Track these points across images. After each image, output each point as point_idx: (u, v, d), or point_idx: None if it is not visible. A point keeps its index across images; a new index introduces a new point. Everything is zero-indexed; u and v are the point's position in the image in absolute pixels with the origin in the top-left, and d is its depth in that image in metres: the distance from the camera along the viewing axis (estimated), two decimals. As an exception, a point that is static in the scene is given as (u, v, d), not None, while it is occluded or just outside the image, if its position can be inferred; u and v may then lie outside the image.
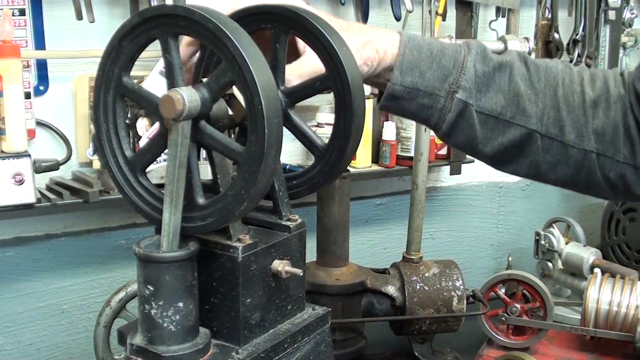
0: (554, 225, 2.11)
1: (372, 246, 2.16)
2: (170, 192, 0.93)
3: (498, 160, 1.11)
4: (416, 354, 1.75)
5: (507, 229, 2.38)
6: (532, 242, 2.09)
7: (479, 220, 2.34)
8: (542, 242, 2.06)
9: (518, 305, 1.79)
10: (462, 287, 1.68)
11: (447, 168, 2.11)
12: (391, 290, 1.66)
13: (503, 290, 1.82)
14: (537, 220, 2.28)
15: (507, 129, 1.07)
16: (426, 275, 1.68)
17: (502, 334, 1.82)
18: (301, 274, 1.02)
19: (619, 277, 1.79)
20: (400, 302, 1.66)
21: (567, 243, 2.05)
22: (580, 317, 1.79)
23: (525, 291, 1.80)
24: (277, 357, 1.01)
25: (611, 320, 1.73)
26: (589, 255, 1.98)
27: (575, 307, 1.96)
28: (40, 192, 1.64)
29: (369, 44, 1.06)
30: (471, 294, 1.72)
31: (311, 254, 1.68)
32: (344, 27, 1.06)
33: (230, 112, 0.97)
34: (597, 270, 1.82)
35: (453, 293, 1.68)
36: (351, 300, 1.62)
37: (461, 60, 1.06)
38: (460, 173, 2.11)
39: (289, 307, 1.06)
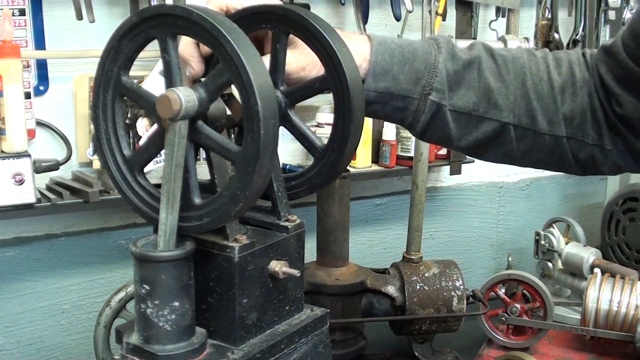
0: (553, 225, 2.11)
1: (372, 246, 2.16)
2: (167, 191, 0.93)
3: (473, 152, 1.14)
4: (416, 354, 1.75)
5: (507, 228, 2.38)
6: (532, 242, 2.09)
7: (479, 220, 2.34)
8: (542, 242, 2.05)
9: (518, 305, 1.79)
10: (462, 287, 1.68)
11: (447, 168, 2.11)
12: (391, 290, 1.66)
13: (503, 290, 1.82)
14: (537, 220, 2.28)
15: (481, 123, 1.08)
16: (426, 275, 1.68)
17: (502, 334, 1.82)
18: (299, 275, 1.02)
19: (618, 277, 1.79)
20: (400, 302, 1.66)
21: (567, 243, 2.04)
22: (580, 317, 1.79)
23: (525, 291, 1.80)
24: (273, 358, 1.01)
25: (611, 320, 1.73)
26: (588, 255, 1.98)
27: (575, 307, 1.96)
28: (40, 192, 1.64)
29: None
30: (471, 294, 1.72)
31: (311, 254, 1.69)
32: None
33: (229, 112, 0.97)
34: (597, 270, 1.82)
35: (453, 293, 1.68)
36: (351, 300, 1.62)
37: (432, 62, 1.07)
38: (460, 173, 2.11)
39: (287, 308, 1.06)
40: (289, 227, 1.04)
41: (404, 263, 1.73)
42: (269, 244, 1.02)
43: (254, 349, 1.00)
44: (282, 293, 1.05)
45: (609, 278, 1.79)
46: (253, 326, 1.02)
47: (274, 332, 1.04)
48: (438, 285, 1.67)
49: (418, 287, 1.66)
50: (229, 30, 0.84)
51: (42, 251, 1.74)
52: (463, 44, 1.15)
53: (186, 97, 0.87)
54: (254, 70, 0.84)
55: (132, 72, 0.97)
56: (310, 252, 1.70)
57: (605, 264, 1.96)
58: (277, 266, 1.01)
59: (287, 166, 1.83)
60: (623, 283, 1.76)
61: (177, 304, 0.96)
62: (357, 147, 1.06)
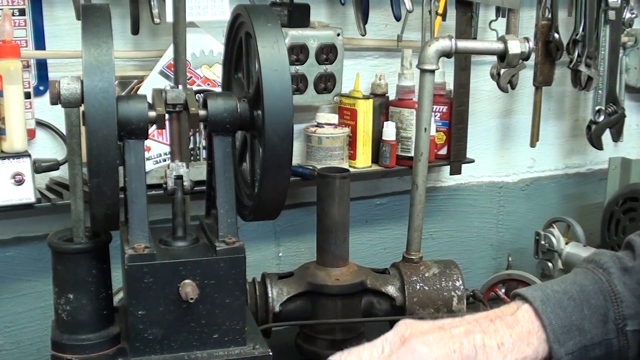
0: (554, 225, 2.11)
1: (372, 246, 2.16)
2: (71, 181, 0.97)
3: None
4: (416, 353, 1.75)
5: (507, 229, 2.38)
6: (532, 242, 2.09)
7: (479, 220, 2.34)
8: (542, 242, 2.05)
9: (518, 305, 1.79)
10: (462, 287, 1.68)
11: (447, 168, 2.10)
12: (391, 290, 1.66)
13: (503, 290, 1.82)
14: (537, 220, 2.28)
15: None
16: (426, 275, 1.68)
17: (502, 334, 1.82)
18: (192, 301, 0.98)
19: (619, 277, 1.78)
20: (400, 302, 1.65)
21: (567, 243, 2.04)
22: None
23: (525, 291, 1.80)
24: None
25: (611, 320, 1.73)
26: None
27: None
28: (40, 192, 1.64)
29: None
30: (471, 294, 1.72)
31: (311, 254, 1.69)
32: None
33: None
34: (597, 270, 1.82)
35: (453, 293, 1.67)
36: (351, 300, 1.62)
37: (608, 289, 0.95)
38: (460, 173, 2.11)
39: (215, 336, 1.03)
40: (218, 248, 1.02)
41: (404, 263, 1.72)
42: (180, 262, 1.00)
43: None
44: (204, 318, 1.02)
45: (609, 278, 1.78)
46: (156, 342, 1.00)
47: (182, 356, 1.02)
48: (438, 285, 1.67)
49: (418, 287, 1.66)
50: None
51: (42, 251, 1.73)
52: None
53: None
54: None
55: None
56: (310, 252, 1.70)
57: (605, 264, 1.95)
58: (189, 287, 0.99)
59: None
60: (623, 283, 1.76)
61: (71, 296, 0.98)
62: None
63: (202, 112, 1.09)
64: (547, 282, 1.00)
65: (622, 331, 0.94)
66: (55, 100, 0.99)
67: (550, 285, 0.97)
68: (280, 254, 2.05)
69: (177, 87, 1.12)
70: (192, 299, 0.98)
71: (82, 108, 1.01)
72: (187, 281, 0.99)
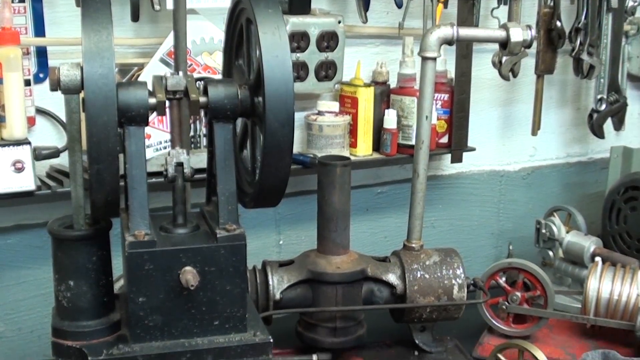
0: (554, 214, 2.10)
1: (372, 234, 2.16)
2: (71, 168, 0.97)
3: None
4: (417, 342, 1.75)
5: (508, 217, 2.38)
6: (532, 230, 2.09)
7: (480, 209, 2.33)
8: (543, 231, 2.05)
9: (519, 294, 1.79)
10: (462, 275, 1.68)
11: (448, 156, 2.10)
12: (392, 278, 1.66)
13: (504, 279, 1.82)
14: (538, 209, 2.28)
15: None
16: (427, 263, 1.68)
17: (503, 322, 1.82)
18: (192, 288, 0.98)
19: (619, 266, 1.78)
20: (401, 290, 1.65)
21: (567, 232, 2.04)
22: (580, 306, 1.78)
23: (525, 279, 1.80)
24: None
25: (612, 309, 1.73)
26: (589, 244, 1.98)
27: (575, 295, 1.95)
28: (41, 180, 1.64)
29: None
30: (472, 282, 1.72)
31: (312, 242, 1.69)
32: None
33: None
34: (597, 259, 1.82)
35: (454, 281, 1.67)
36: (352, 288, 1.61)
37: None
38: (461, 161, 2.11)
39: (215, 323, 1.03)
40: (219, 235, 1.02)
41: (404, 251, 1.72)
42: (181, 249, 1.00)
43: (151, 351, 0.99)
44: (204, 305, 1.02)
45: (609, 267, 1.78)
46: (157, 329, 1.00)
47: (186, 343, 1.02)
48: (439, 274, 1.67)
49: (419, 275, 1.66)
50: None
51: (43, 239, 1.73)
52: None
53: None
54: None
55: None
56: (311, 240, 1.70)
57: (606, 253, 1.95)
58: (189, 274, 0.99)
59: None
60: (624, 272, 1.76)
61: (72, 283, 0.98)
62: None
63: (202, 99, 1.09)
64: None
65: None
66: (55, 86, 0.98)
67: None
68: (281, 242, 2.05)
69: (178, 74, 1.12)
70: (192, 286, 0.98)
71: (82, 95, 1.00)
72: (187, 268, 0.99)
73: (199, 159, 1.47)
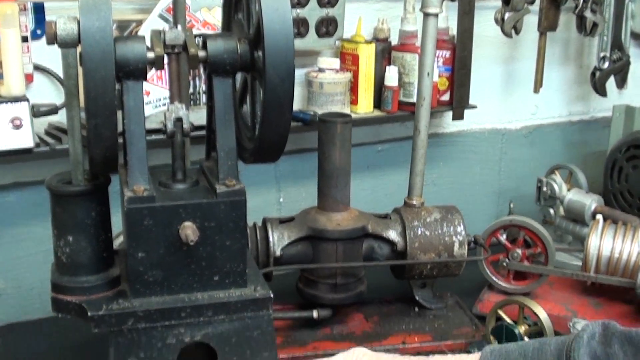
0: (556, 172, 2.10)
1: (373, 192, 2.15)
2: (69, 123, 0.96)
3: None
4: (417, 298, 1.75)
5: (509, 175, 2.38)
6: (533, 189, 2.08)
7: (481, 167, 2.33)
8: (544, 189, 2.05)
9: (519, 251, 1.79)
10: (463, 232, 1.68)
11: (449, 114, 2.09)
12: (392, 235, 1.66)
13: (504, 236, 1.82)
14: (539, 167, 2.27)
15: None
16: (427, 220, 1.68)
17: (503, 279, 1.82)
18: (192, 244, 0.97)
19: (620, 223, 1.78)
20: (402, 247, 1.65)
21: (569, 190, 2.04)
22: (581, 264, 1.78)
23: (526, 237, 1.80)
24: (168, 323, 1.00)
25: (612, 266, 1.73)
26: (591, 202, 1.97)
27: (576, 253, 1.96)
28: (39, 137, 1.63)
29: None
30: (472, 239, 1.72)
31: (312, 200, 1.68)
32: None
33: None
34: (599, 216, 1.81)
35: (454, 238, 1.67)
36: (352, 245, 1.61)
37: (566, 352, 0.85)
38: (462, 119, 2.09)
39: (215, 278, 1.03)
40: (219, 191, 1.01)
41: (405, 208, 1.72)
42: (180, 204, 0.99)
43: (150, 306, 0.99)
44: (204, 260, 1.01)
45: (610, 225, 1.78)
46: (156, 284, 1.00)
47: (186, 298, 1.02)
48: (439, 230, 1.67)
49: (419, 232, 1.66)
50: None
51: (42, 196, 1.71)
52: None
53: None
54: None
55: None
56: (311, 197, 1.69)
57: (608, 211, 1.95)
58: (189, 230, 0.98)
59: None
60: (625, 230, 1.75)
61: (70, 238, 0.98)
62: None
63: (201, 53, 1.07)
64: None
65: None
66: (52, 40, 0.97)
67: (522, 341, 0.92)
68: (281, 199, 2.04)
69: (176, 28, 1.10)
70: (192, 241, 0.97)
71: (79, 49, 0.99)
72: (187, 223, 0.99)
73: (199, 116, 1.46)
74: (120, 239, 1.45)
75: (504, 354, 0.87)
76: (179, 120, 1.08)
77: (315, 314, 1.63)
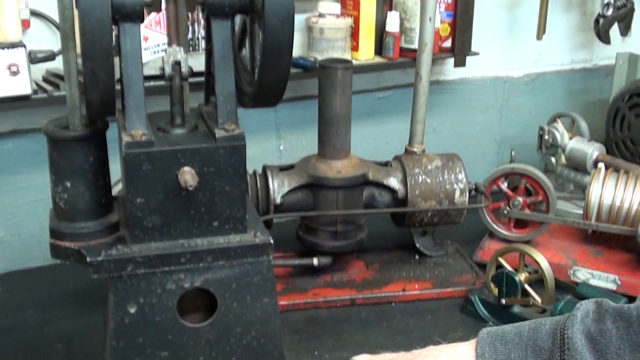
0: (558, 120, 2.08)
1: (374, 140, 2.14)
2: (65, 68, 0.94)
3: None
4: (417, 246, 1.75)
5: (511, 123, 2.36)
6: (535, 137, 2.07)
7: (482, 115, 2.31)
8: (546, 137, 2.03)
9: (520, 199, 1.78)
10: (464, 179, 1.67)
11: (451, 61, 2.07)
12: (393, 182, 1.65)
13: (505, 184, 1.81)
14: (541, 115, 2.25)
15: None
16: (428, 167, 1.67)
17: (504, 227, 1.82)
18: (191, 189, 0.96)
19: (622, 172, 1.77)
20: (402, 195, 1.64)
21: (571, 138, 2.02)
22: (582, 212, 1.78)
23: (527, 185, 1.79)
24: (167, 269, 0.99)
25: (613, 214, 1.72)
26: (592, 150, 1.96)
27: (577, 201, 1.95)
28: (37, 84, 1.62)
29: None
30: (473, 187, 1.71)
31: (312, 148, 1.67)
32: None
33: None
34: (600, 165, 1.80)
35: (455, 185, 1.66)
36: (353, 192, 1.61)
37: (560, 331, 0.85)
38: (464, 65, 2.07)
39: (215, 224, 1.02)
40: (218, 136, 1.00)
41: (406, 156, 1.71)
42: (179, 149, 0.98)
43: (149, 252, 0.98)
44: (204, 206, 1.00)
45: (612, 173, 1.77)
46: (155, 230, 0.99)
47: (185, 243, 1.01)
48: (440, 178, 1.66)
49: (420, 180, 1.65)
50: None
51: (41, 143, 1.70)
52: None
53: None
54: None
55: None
56: (312, 145, 1.68)
57: (609, 159, 1.94)
58: (188, 175, 0.97)
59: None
60: (627, 178, 1.74)
61: (68, 184, 0.98)
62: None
63: (199, -6, 1.05)
64: None
65: None
66: None
67: (518, 322, 0.90)
68: (281, 147, 2.03)
69: (174, -31, 1.08)
70: (191, 186, 0.96)
71: (75, -10, 0.97)
72: (186, 168, 0.98)
73: (198, 62, 1.44)
74: (120, 186, 1.45)
75: (500, 334, 0.88)
76: (177, 63, 1.07)
77: (315, 261, 1.63)
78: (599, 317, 0.83)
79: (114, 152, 1.12)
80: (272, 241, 1.03)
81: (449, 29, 2.01)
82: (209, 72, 1.18)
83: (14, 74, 1.53)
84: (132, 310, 1.00)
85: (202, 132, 1.05)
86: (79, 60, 1.00)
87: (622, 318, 0.82)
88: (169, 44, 1.10)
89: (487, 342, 0.87)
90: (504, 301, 1.51)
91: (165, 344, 1.01)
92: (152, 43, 1.64)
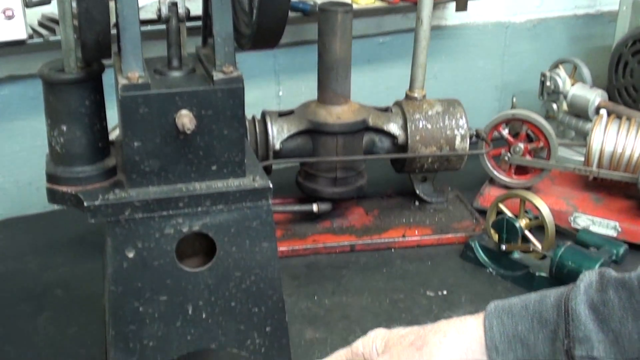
0: (560, 66, 2.06)
1: (374, 85, 2.11)
2: (60, 8, 0.93)
3: None
4: (417, 192, 1.74)
5: (512, 70, 2.34)
6: (537, 83, 2.05)
7: (484, 61, 2.29)
8: (548, 84, 2.01)
9: (522, 145, 1.77)
10: (465, 125, 1.66)
11: (453, 5, 2.04)
12: (393, 128, 1.63)
13: (507, 130, 1.80)
14: (543, 61, 2.23)
15: None
16: (429, 113, 1.65)
17: (504, 174, 1.81)
18: (189, 132, 0.95)
19: (624, 118, 1.76)
20: (402, 140, 1.63)
21: (573, 84, 2.00)
22: (583, 159, 1.77)
23: (529, 131, 1.78)
24: (166, 213, 0.98)
25: (615, 161, 1.71)
26: (594, 96, 1.94)
27: (578, 148, 1.94)
28: (32, 29, 1.60)
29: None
30: (474, 132, 1.69)
31: (312, 94, 1.65)
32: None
33: None
34: (602, 111, 1.78)
35: (456, 131, 1.65)
36: (352, 138, 1.59)
37: (564, 303, 0.84)
38: (466, 9, 2.04)
39: (213, 168, 1.00)
40: (216, 78, 0.98)
41: (406, 101, 1.69)
42: (176, 92, 0.96)
43: (147, 196, 0.97)
44: (201, 149, 0.99)
45: (614, 120, 1.75)
46: (153, 174, 0.98)
47: (183, 187, 1.00)
48: (441, 124, 1.65)
49: (421, 125, 1.63)
50: None
51: (37, 89, 1.68)
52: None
53: None
54: None
55: None
56: (311, 92, 1.66)
57: (611, 106, 1.92)
58: (186, 118, 0.95)
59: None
60: (629, 125, 1.73)
61: (64, 127, 0.97)
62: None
63: None
64: None
65: (570, 355, 0.82)
66: None
67: (524, 295, 0.90)
68: (281, 93, 2.01)
69: None
70: (189, 129, 0.95)
71: None
72: (183, 112, 0.96)
73: (196, 6, 1.41)
74: (117, 132, 1.43)
75: (507, 307, 0.88)
76: (174, 4, 1.04)
77: (315, 207, 1.62)
78: (601, 288, 0.83)
79: (111, 97, 1.11)
80: (271, 185, 1.02)
81: (450, -27, 1.98)
82: (206, 14, 1.16)
83: (9, 18, 1.51)
84: (131, 255, 0.99)
85: (200, 74, 1.03)
86: (74, 4, 0.98)
87: (624, 287, 0.82)
88: (166, -16, 1.07)
89: (495, 315, 0.87)
90: (504, 247, 1.51)
91: (164, 289, 1.01)
92: (149, -14, 1.62)
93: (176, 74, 1.04)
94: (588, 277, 0.86)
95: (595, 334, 0.81)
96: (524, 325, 0.85)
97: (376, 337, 0.96)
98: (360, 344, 0.97)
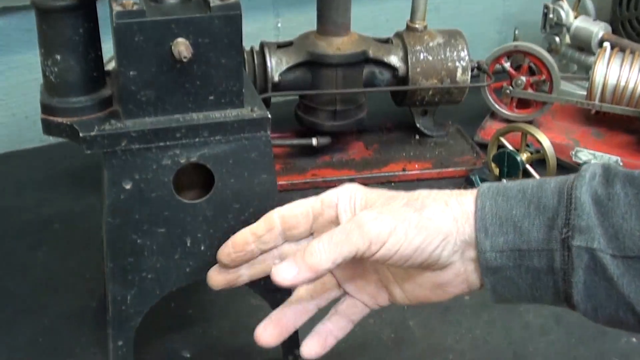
0: (564, -2, 2.02)
1: (374, 17, 2.08)
2: None
3: None
4: (418, 125, 1.73)
5: (514, 1, 2.30)
6: (539, 15, 2.01)
7: (486, -8, 2.25)
8: (550, 16, 1.98)
9: (524, 78, 1.75)
10: (467, 57, 1.63)
11: None
12: (394, 60, 1.61)
13: (509, 63, 1.77)
14: (546, -7, 2.19)
15: None
16: (430, 45, 1.62)
17: (506, 107, 1.79)
18: (185, 60, 0.92)
19: (628, 52, 1.73)
20: (403, 72, 1.61)
21: (576, 17, 1.97)
22: (585, 93, 1.75)
23: (531, 64, 1.75)
24: (162, 144, 0.97)
25: (618, 95, 1.69)
26: (598, 29, 1.91)
27: (580, 82, 1.91)
28: (25, -43, 1.56)
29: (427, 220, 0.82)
30: (476, 65, 1.67)
31: (311, 26, 1.62)
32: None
33: None
34: (606, 44, 1.76)
35: (457, 63, 1.63)
36: (352, 70, 1.57)
37: (567, 190, 0.78)
38: (468, -61, 2.00)
39: (211, 98, 0.98)
40: (213, 5, 0.95)
41: (407, 32, 1.66)
42: (172, 19, 0.94)
43: (144, 127, 0.96)
44: (199, 79, 0.97)
45: (618, 53, 1.73)
46: (150, 104, 0.96)
47: (177, 118, 0.98)
48: (442, 56, 1.62)
49: (422, 57, 1.61)
50: None
51: (33, 21, 1.65)
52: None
53: None
54: None
55: None
56: (310, 24, 1.63)
57: (615, 39, 1.89)
58: (182, 46, 0.93)
59: None
60: (632, 58, 1.70)
61: (58, 57, 0.95)
62: None
63: None
64: None
65: (566, 244, 0.76)
66: None
67: (521, 180, 0.85)
68: (279, 25, 1.98)
69: None
70: (185, 57, 0.93)
71: None
72: (179, 39, 0.94)
73: None
74: (113, 63, 1.41)
75: (501, 189, 0.82)
76: None
77: (314, 141, 1.61)
78: (606, 181, 0.79)
79: (106, 30, 1.08)
80: (269, 116, 1.00)
81: None
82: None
83: (1, -53, 1.48)
84: (128, 186, 0.98)
85: (196, 1, 1.00)
86: None
87: (632, 184, 0.78)
88: None
89: (488, 196, 0.82)
90: (504, 181, 1.50)
91: (161, 221, 1.00)
92: None
93: (172, 1, 1.01)
94: (592, 169, 0.81)
95: (596, 226, 0.76)
96: (519, 209, 0.79)
97: (356, 192, 0.90)
98: (335, 196, 0.91)
